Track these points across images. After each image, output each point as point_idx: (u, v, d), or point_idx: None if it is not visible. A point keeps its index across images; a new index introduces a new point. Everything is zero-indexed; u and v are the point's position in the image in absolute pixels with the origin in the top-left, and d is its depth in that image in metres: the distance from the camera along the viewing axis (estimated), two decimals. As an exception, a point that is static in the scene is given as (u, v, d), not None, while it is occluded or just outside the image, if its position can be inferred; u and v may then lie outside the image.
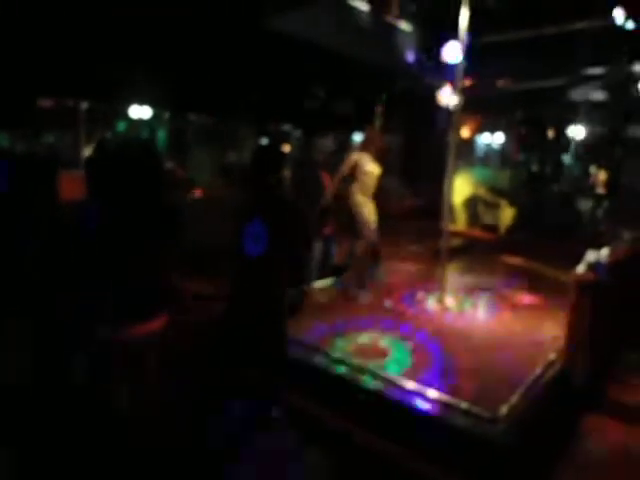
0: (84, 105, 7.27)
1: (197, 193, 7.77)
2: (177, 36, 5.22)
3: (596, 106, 7.61)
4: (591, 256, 3.26)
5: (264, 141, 11.73)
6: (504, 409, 2.73)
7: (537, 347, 3.65)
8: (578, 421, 3.08)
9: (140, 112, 8.14)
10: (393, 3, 5.29)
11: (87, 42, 4.96)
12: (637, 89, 5.15)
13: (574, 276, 3.26)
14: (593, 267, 3.18)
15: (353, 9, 5.53)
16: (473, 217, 7.85)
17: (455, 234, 7.21)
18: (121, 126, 9.62)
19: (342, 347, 3.50)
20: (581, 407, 3.16)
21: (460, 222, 7.82)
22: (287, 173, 9.16)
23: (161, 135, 9.62)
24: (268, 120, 10.03)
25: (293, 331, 3.60)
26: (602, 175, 9.32)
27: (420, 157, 8.36)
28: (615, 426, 3.04)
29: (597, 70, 6.18)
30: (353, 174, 4.80)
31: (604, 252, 3.41)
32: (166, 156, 9.17)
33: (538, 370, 3.23)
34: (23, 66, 4.29)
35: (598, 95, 7.16)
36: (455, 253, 6.33)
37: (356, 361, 3.28)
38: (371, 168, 4.82)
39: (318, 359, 3.34)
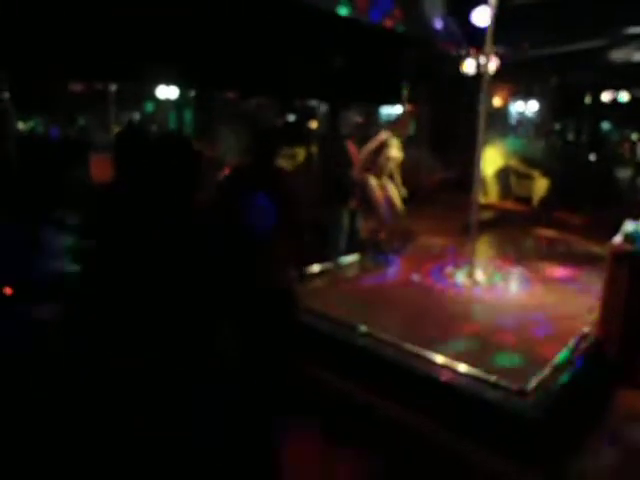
0: (113, 87, 7.37)
1: (226, 172, 7.83)
2: (197, 12, 5.19)
3: (638, 68, 7.17)
4: (629, 226, 3.14)
5: (290, 117, 11.65)
6: (533, 382, 2.70)
7: (570, 320, 3.57)
8: (611, 395, 3.02)
9: (167, 92, 8.21)
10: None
11: (112, 24, 5.00)
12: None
13: (610, 247, 3.15)
14: (630, 238, 3.06)
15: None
16: (505, 189, 7.63)
17: (487, 207, 7.06)
18: (149, 107, 9.73)
19: (369, 321, 3.51)
20: (615, 381, 3.09)
21: (492, 194, 7.62)
22: (314, 148, 9.12)
23: (188, 115, 9.69)
24: (294, 95, 9.92)
25: (319, 305, 3.67)
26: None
27: (450, 128, 8.13)
28: (650, 400, 2.97)
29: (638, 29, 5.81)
30: (376, 153, 4.86)
31: (641, 222, 3.27)
32: (194, 136, 9.25)
33: (571, 343, 3.18)
34: (54, 50, 4.36)
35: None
36: (486, 226, 6.21)
37: (383, 335, 3.29)
38: (395, 154, 4.91)
39: (344, 333, 3.37)
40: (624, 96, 9.31)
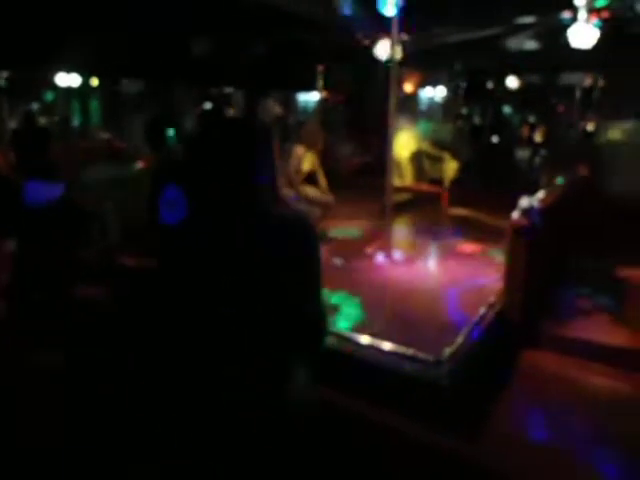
0: (3, 74, 6.73)
1: (140, 164, 7.48)
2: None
3: (530, 55, 7.79)
4: (524, 202, 3.42)
5: (207, 105, 11.33)
6: (447, 351, 2.89)
7: (479, 291, 3.85)
8: (517, 356, 3.31)
9: (68, 80, 7.63)
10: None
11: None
12: (566, 37, 5.31)
13: (510, 222, 3.42)
14: (526, 212, 3.34)
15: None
16: (419, 171, 7.97)
17: (402, 189, 7.34)
18: (49, 96, 9.00)
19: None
20: (519, 344, 3.39)
21: (407, 177, 7.93)
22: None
23: (94, 104, 9.10)
24: (208, 82, 9.65)
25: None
26: (538, 124, 9.65)
27: (365, 114, 8.35)
28: (549, 357, 3.29)
29: (529, 19, 6.29)
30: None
31: (536, 198, 3.59)
32: (101, 127, 8.71)
33: (480, 312, 3.43)
34: None
35: (531, 44, 7.32)
36: (403, 208, 6.48)
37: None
38: (306, 167, 5.03)
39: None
40: (518, 82, 10.06)
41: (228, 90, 10.77)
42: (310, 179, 5.17)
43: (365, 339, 3.14)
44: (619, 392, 2.99)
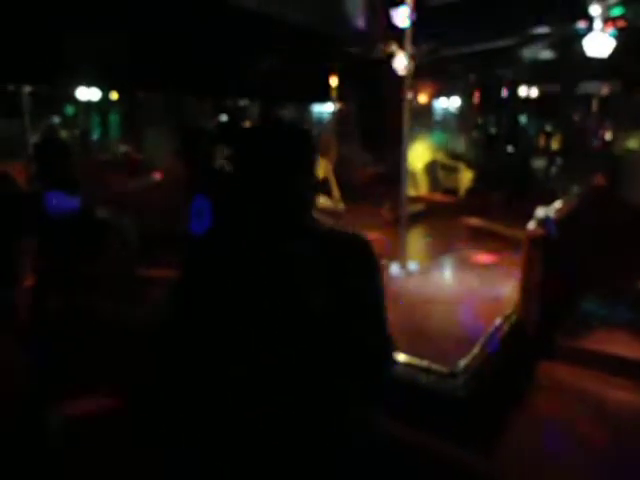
0: (26, 89, 6.92)
1: (157, 176, 7.61)
2: (116, 11, 5.00)
3: (546, 64, 7.75)
4: (540, 212, 3.39)
5: (223, 118, 11.49)
6: (462, 363, 2.86)
7: (495, 303, 3.81)
8: (533, 368, 3.26)
9: (88, 94, 7.83)
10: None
11: (25, 23, 4.71)
12: (582, 46, 5.28)
13: (526, 232, 3.39)
14: (542, 223, 3.31)
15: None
16: (434, 182, 7.97)
17: (417, 199, 7.34)
18: (70, 110, 9.23)
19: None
20: (535, 356, 3.34)
21: (422, 187, 7.93)
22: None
23: (113, 118, 9.30)
24: (224, 95, 9.79)
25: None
26: (554, 133, 9.56)
27: (379, 124, 8.37)
28: (566, 370, 3.23)
29: (544, 29, 6.28)
30: None
31: (552, 208, 3.55)
32: (119, 139, 8.89)
33: (495, 323, 3.39)
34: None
35: (547, 54, 7.29)
36: (418, 218, 6.46)
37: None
38: (320, 174, 5.12)
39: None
40: (536, 91, 10.00)
41: (243, 102, 10.92)
42: (323, 188, 5.22)
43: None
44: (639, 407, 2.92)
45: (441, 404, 2.74)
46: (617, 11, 5.15)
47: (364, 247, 1.23)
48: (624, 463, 2.49)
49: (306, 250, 1.15)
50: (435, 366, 2.87)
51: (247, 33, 6.36)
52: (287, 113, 6.23)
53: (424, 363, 2.92)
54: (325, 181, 5.24)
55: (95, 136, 9.60)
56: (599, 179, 5.95)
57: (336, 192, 5.33)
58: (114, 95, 8.85)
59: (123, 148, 8.04)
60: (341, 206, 5.24)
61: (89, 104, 8.73)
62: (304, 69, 7.45)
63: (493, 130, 10.97)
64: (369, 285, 1.23)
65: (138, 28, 5.33)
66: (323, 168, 5.16)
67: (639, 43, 5.87)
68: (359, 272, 1.19)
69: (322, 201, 5.18)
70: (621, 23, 5.23)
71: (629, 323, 3.59)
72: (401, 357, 3.02)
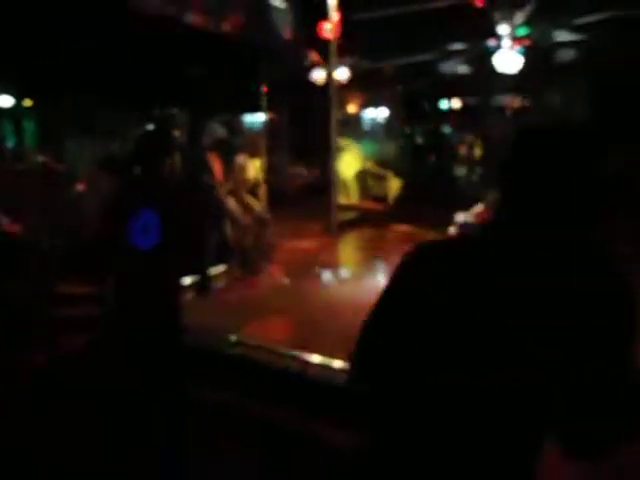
0: None
1: (79, 188, 7.22)
2: (31, 11, 4.72)
3: (464, 78, 8.25)
4: (460, 217, 3.59)
5: (150, 127, 11.12)
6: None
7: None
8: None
9: (-1, 101, 7.30)
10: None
11: None
12: (492, 62, 5.69)
13: (445, 236, 3.57)
14: (462, 227, 3.51)
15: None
16: (364, 190, 8.19)
17: (348, 207, 7.50)
18: (-22, 118, 8.55)
19: (242, 329, 3.52)
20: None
21: (352, 195, 8.12)
22: (177, 158, 8.84)
23: (28, 125, 8.72)
24: (150, 104, 9.50)
25: (191, 319, 3.57)
26: (475, 143, 10.16)
27: (308, 134, 8.49)
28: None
29: (459, 45, 6.69)
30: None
31: (471, 213, 3.77)
32: (37, 149, 8.35)
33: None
34: None
35: (464, 68, 7.78)
36: (349, 226, 6.61)
37: (255, 342, 3.33)
38: (251, 175, 5.10)
39: (216, 345, 3.33)
40: (456, 102, 10.59)
41: (172, 111, 10.64)
42: (253, 193, 5.19)
43: (312, 357, 3.16)
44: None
45: (361, 403, 2.79)
46: (523, 31, 5.60)
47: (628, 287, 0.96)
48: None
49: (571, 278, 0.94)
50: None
51: (171, 42, 6.24)
52: (215, 124, 6.15)
53: (347, 365, 2.97)
54: (255, 187, 5.19)
55: (9, 144, 8.94)
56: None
57: (263, 199, 5.31)
58: (28, 102, 8.31)
59: (41, 158, 7.55)
60: (267, 215, 5.23)
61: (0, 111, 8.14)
62: (233, 79, 7.41)
63: (419, 140, 11.47)
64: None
65: (51, 32, 5.07)
66: (253, 169, 5.12)
67: (544, 61, 6.42)
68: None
69: (253, 204, 5.12)
70: (526, 42, 5.69)
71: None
72: (332, 362, 3.06)
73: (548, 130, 1.06)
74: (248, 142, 5.15)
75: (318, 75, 6.46)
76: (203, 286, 4.50)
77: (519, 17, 5.42)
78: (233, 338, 3.32)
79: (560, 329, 0.92)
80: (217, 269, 4.85)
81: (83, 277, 3.60)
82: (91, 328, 3.31)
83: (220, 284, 4.68)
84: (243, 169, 5.03)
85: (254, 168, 5.15)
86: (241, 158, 5.04)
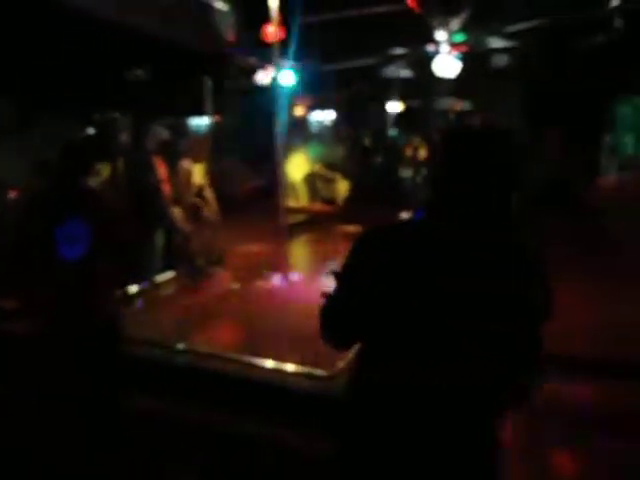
0: None
1: (13, 194, 6.84)
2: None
3: (407, 82, 8.50)
4: (404, 217, 3.68)
5: (90, 131, 10.69)
6: (341, 364, 2.99)
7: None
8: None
9: None
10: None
11: None
12: (431, 67, 5.90)
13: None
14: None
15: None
16: (313, 192, 8.24)
17: (298, 210, 7.52)
18: None
19: (191, 337, 3.45)
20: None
21: (302, 198, 8.15)
22: (120, 163, 8.57)
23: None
24: (91, 107, 9.15)
25: (138, 330, 3.47)
26: (420, 145, 10.46)
27: (257, 137, 8.45)
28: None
29: (400, 50, 6.88)
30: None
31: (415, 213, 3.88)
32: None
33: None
34: None
35: (406, 73, 8.00)
36: (299, 228, 6.63)
37: (203, 349, 3.27)
38: (197, 180, 5.03)
39: (164, 354, 3.26)
40: (400, 105, 10.87)
41: (114, 115, 10.28)
42: (200, 197, 5.10)
43: (263, 362, 3.15)
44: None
45: (321, 407, 2.82)
46: (459, 37, 5.83)
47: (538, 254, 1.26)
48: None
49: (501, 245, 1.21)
50: (316, 371, 2.96)
51: (110, 44, 6.05)
52: (158, 127, 5.99)
53: (305, 369, 3.00)
54: (202, 191, 5.10)
55: None
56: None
57: (213, 203, 5.23)
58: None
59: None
60: (218, 219, 5.16)
61: None
62: (177, 82, 7.27)
63: (367, 142, 11.68)
64: (541, 288, 1.24)
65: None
66: (198, 174, 5.02)
67: (481, 65, 6.72)
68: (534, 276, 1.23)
69: (201, 208, 5.04)
70: (463, 48, 5.94)
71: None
72: (284, 365, 3.07)
73: (469, 133, 1.25)
74: (192, 146, 5.04)
75: (263, 78, 6.45)
76: (149, 294, 4.38)
77: (455, 24, 5.66)
78: (181, 346, 3.26)
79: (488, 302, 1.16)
80: (164, 276, 4.74)
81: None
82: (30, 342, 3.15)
83: (168, 291, 4.57)
84: (188, 173, 4.93)
85: (199, 172, 5.06)
86: (186, 162, 4.94)
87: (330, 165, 8.49)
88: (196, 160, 4.99)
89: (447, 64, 5.83)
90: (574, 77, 6.76)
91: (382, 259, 1.20)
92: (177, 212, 4.89)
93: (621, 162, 6.68)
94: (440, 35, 5.73)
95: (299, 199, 7.94)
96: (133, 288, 4.33)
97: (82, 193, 2.38)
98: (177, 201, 4.91)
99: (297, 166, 8.20)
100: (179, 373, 3.15)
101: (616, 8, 5.33)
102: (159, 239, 4.83)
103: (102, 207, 2.42)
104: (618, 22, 5.44)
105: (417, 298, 1.17)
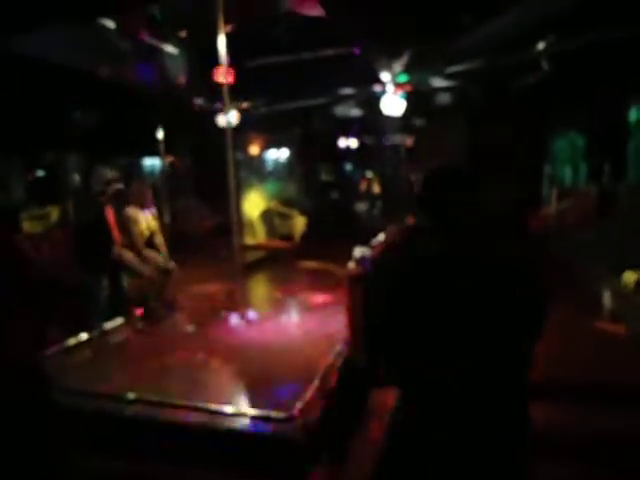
0: None
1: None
2: None
3: (358, 120, 8.80)
4: (358, 252, 3.72)
5: (39, 173, 10.39)
6: (299, 405, 2.93)
7: (329, 340, 4.02)
8: (367, 398, 3.48)
9: None
10: (141, 26, 5.26)
11: None
12: (378, 106, 6.14)
13: (346, 271, 3.68)
14: (359, 261, 3.63)
15: (108, 31, 5.33)
16: (270, 229, 8.26)
17: (256, 247, 7.49)
18: None
19: (143, 385, 3.30)
20: (368, 385, 3.57)
21: (259, 235, 8.15)
22: (69, 205, 8.32)
23: None
24: (39, 149, 8.95)
25: (84, 380, 3.30)
26: (374, 179, 10.78)
27: (212, 176, 8.46)
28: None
29: (349, 90, 7.16)
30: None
31: (369, 246, 3.93)
32: None
33: (329, 361, 3.56)
34: None
35: (356, 111, 8.31)
36: (257, 265, 6.58)
37: (155, 398, 3.13)
38: (144, 227, 4.97)
39: (112, 406, 3.09)
40: (354, 142, 11.20)
41: (66, 157, 10.06)
42: (150, 244, 5.01)
43: (216, 407, 3.04)
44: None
45: (281, 450, 2.75)
46: (402, 78, 6.13)
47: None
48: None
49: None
50: (273, 413, 2.88)
51: (61, 87, 6.00)
52: (104, 168, 5.91)
53: (263, 412, 2.92)
54: (152, 237, 5.03)
55: None
56: (410, 217, 6.81)
57: (163, 248, 5.14)
58: None
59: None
60: (172, 264, 5.07)
61: None
62: (127, 123, 7.24)
63: (322, 177, 11.91)
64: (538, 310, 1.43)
65: None
66: (145, 221, 4.96)
67: (424, 103, 7.06)
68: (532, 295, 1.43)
69: (153, 257, 4.96)
70: (408, 87, 6.24)
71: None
72: (237, 410, 2.98)
73: (444, 174, 1.55)
74: (135, 192, 4.96)
75: (217, 119, 6.52)
76: (98, 342, 4.20)
77: (397, 66, 5.96)
78: (130, 396, 3.11)
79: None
80: (114, 323, 4.56)
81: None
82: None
83: (118, 338, 4.38)
84: (135, 221, 4.86)
85: (145, 219, 4.98)
86: (131, 210, 4.87)
87: (286, 201, 8.58)
88: (141, 206, 4.93)
89: (393, 103, 6.10)
90: (511, 114, 7.21)
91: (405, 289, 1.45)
92: (131, 256, 4.78)
93: (560, 193, 7.11)
94: (384, 76, 6.00)
95: (256, 236, 7.92)
96: (77, 338, 4.13)
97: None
98: (128, 246, 4.81)
99: (254, 203, 8.22)
100: (127, 425, 2.99)
101: (543, 51, 5.78)
102: (105, 284, 4.69)
103: (8, 253, 2.30)
104: (545, 64, 5.90)
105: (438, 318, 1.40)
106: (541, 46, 5.70)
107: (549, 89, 6.45)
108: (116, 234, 4.70)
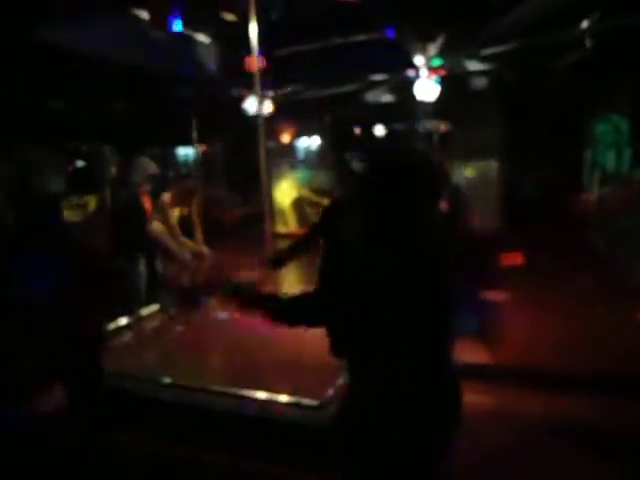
0: None
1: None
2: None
3: (390, 106, 8.66)
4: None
5: (79, 163, 10.71)
6: (330, 393, 2.94)
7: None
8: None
9: None
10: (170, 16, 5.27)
11: None
12: (411, 91, 6.01)
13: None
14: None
15: (141, 21, 5.40)
16: (302, 217, 8.26)
17: (288, 236, 7.51)
18: None
19: (178, 370, 3.39)
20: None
21: (291, 224, 8.17)
22: (107, 195, 8.55)
23: None
24: (76, 140, 9.21)
25: (123, 363, 3.41)
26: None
27: (244, 165, 8.51)
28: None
29: (381, 76, 7.03)
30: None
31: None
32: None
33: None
34: None
35: (387, 97, 8.16)
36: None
37: (189, 382, 3.21)
38: (179, 212, 4.99)
39: (149, 388, 3.19)
40: (385, 129, 11.02)
41: (102, 148, 10.33)
42: (186, 231, 5.08)
43: (247, 392, 3.08)
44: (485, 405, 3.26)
45: (313, 438, 2.77)
46: (437, 62, 5.97)
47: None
48: (484, 464, 2.72)
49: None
50: (304, 400, 2.90)
51: (94, 78, 6.13)
52: (145, 159, 6.03)
53: (293, 399, 2.94)
54: (186, 222, 5.09)
55: None
56: (443, 205, 6.67)
57: (199, 236, 5.22)
58: None
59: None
60: (205, 248, 5.14)
61: None
62: (162, 112, 7.35)
63: (354, 165, 11.79)
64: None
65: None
66: (187, 213, 5.02)
67: (459, 88, 6.86)
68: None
69: (187, 243, 5.03)
70: (442, 72, 6.07)
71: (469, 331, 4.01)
72: (271, 395, 3.01)
73: (389, 158, 1.66)
74: (177, 193, 4.98)
75: (248, 107, 6.53)
76: (135, 327, 4.32)
77: (432, 49, 5.81)
78: (166, 380, 3.19)
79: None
80: (151, 309, 4.68)
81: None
82: None
83: (154, 323, 4.50)
84: (169, 207, 4.93)
85: (180, 209, 5.05)
86: (167, 196, 4.94)
87: (318, 190, 8.55)
88: (184, 205, 4.97)
89: (427, 88, 5.96)
90: (549, 96, 6.94)
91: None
92: (169, 240, 4.86)
93: (602, 178, 6.81)
94: (418, 60, 5.86)
95: (288, 224, 7.95)
96: (117, 322, 4.27)
97: (49, 229, 2.36)
98: (165, 232, 4.90)
99: (285, 192, 8.24)
100: (162, 408, 3.08)
101: (587, 29, 5.51)
102: (143, 270, 4.81)
103: (71, 242, 2.39)
104: (588, 42, 5.62)
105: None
106: (585, 24, 5.43)
107: (590, 70, 6.16)
108: (150, 217, 4.79)
